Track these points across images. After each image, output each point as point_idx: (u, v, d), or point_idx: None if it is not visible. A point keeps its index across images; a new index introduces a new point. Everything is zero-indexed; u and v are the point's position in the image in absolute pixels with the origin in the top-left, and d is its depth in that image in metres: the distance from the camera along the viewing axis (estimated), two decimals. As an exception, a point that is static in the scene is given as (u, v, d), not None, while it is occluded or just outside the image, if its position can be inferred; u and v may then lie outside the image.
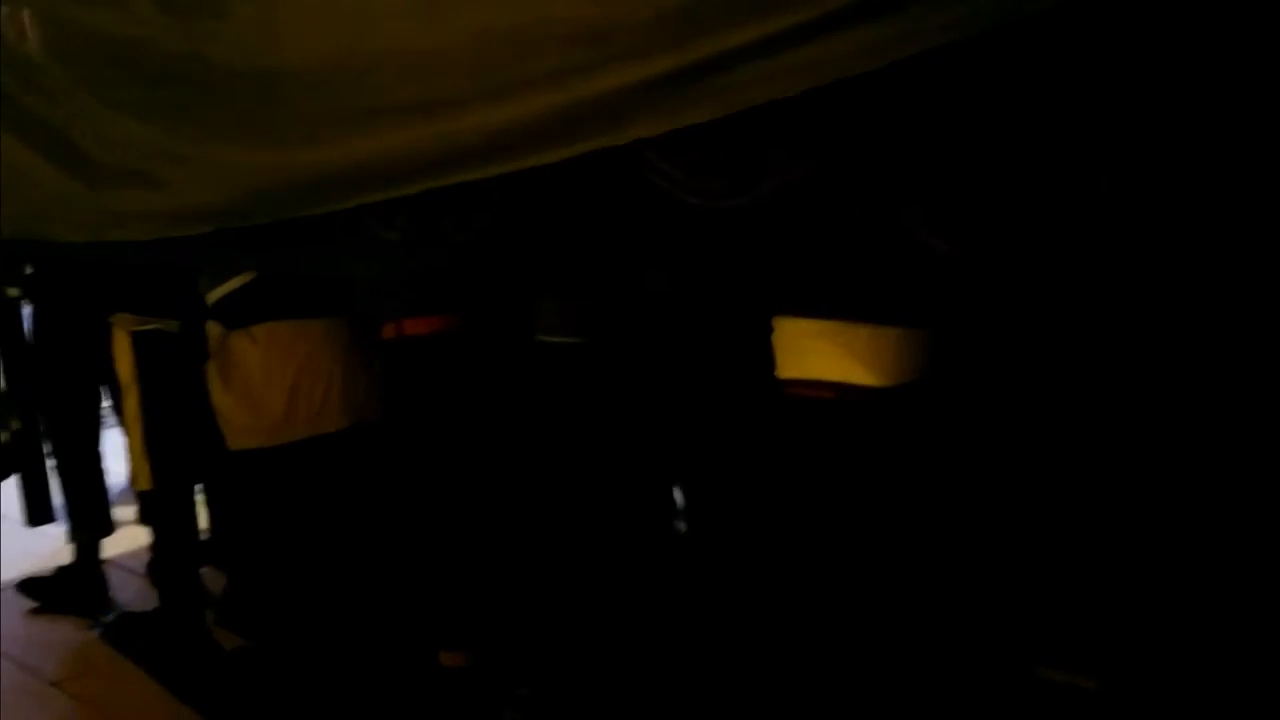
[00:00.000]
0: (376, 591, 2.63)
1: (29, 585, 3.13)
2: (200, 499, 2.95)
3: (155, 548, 2.91)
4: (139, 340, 2.72)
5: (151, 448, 2.76)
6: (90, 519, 3.11)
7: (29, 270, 2.89)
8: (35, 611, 3.08)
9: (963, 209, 1.35)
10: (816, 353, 1.63)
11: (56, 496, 3.18)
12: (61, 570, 3.18)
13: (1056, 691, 1.93)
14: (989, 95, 1.23)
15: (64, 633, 2.96)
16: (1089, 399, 1.72)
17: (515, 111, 1.27)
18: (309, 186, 1.52)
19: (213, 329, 2.46)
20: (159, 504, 2.85)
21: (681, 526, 2.33)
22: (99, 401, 2.91)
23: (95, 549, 3.16)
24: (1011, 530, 1.79)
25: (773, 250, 1.63)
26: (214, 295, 2.41)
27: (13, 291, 2.92)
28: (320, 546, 2.50)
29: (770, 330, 1.72)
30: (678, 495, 2.25)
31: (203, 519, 2.97)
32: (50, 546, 3.28)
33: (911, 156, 1.33)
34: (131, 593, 3.11)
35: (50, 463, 3.38)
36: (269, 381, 2.33)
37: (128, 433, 2.83)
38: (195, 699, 2.54)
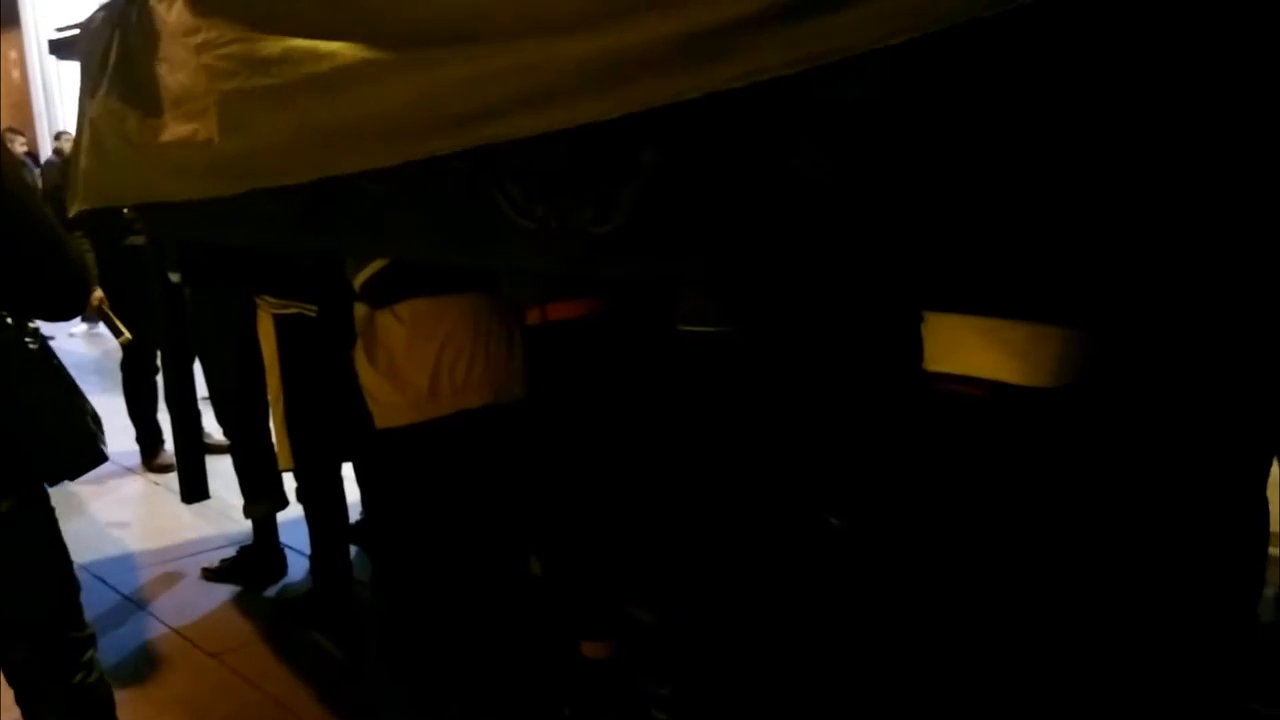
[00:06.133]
0: (519, 574, 2.60)
1: (211, 570, 3.26)
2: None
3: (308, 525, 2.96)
4: (280, 323, 2.76)
5: (291, 428, 2.80)
6: (261, 493, 3.19)
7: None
8: (208, 582, 3.21)
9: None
10: (969, 348, 1.54)
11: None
12: (243, 549, 3.30)
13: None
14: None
15: (231, 607, 3.06)
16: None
17: (617, 40, 1.13)
18: (359, 133, 1.40)
19: (359, 309, 2.46)
20: (301, 483, 2.90)
21: (834, 522, 2.22)
22: (262, 379, 2.94)
23: (272, 525, 3.25)
24: (1169, 546, 1.67)
25: (927, 241, 1.52)
26: (360, 278, 2.40)
27: (174, 276, 3.00)
28: (464, 525, 2.45)
29: (919, 321, 1.64)
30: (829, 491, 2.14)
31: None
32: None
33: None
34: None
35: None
36: (413, 356, 2.29)
37: (272, 412, 2.87)
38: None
